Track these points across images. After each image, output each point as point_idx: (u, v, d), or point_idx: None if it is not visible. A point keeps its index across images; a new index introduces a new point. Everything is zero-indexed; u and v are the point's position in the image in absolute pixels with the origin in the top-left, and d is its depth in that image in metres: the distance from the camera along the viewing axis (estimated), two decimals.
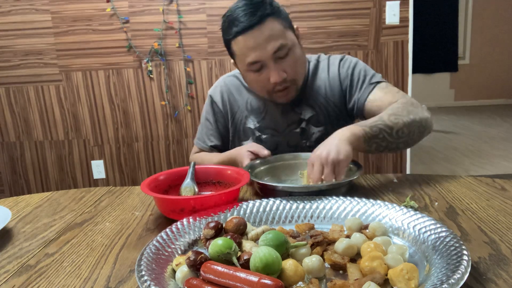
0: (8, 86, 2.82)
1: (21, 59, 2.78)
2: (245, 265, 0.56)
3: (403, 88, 2.81)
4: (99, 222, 0.87)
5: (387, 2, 2.70)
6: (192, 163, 1.01)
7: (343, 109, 1.23)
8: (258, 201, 0.81)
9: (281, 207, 0.80)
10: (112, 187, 1.11)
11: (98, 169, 2.93)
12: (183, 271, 0.58)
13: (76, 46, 2.75)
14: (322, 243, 0.65)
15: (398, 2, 2.70)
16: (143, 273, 0.56)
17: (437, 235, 0.62)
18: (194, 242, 0.70)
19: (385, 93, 1.15)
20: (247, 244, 0.63)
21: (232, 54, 1.15)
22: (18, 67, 2.79)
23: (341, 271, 0.60)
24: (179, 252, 0.66)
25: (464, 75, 6.92)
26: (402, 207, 0.74)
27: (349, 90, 1.21)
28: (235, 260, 0.57)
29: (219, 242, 0.58)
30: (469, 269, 0.52)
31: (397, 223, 0.70)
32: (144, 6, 2.70)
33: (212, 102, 1.32)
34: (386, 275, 0.54)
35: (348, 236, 0.66)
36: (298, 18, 2.71)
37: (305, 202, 0.81)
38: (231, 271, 0.53)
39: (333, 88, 1.22)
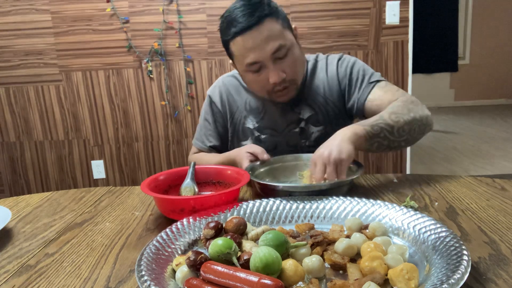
0: (8, 86, 2.82)
1: (21, 59, 2.78)
2: (245, 265, 0.56)
3: (403, 88, 2.81)
4: (99, 222, 0.87)
5: (387, 2, 2.70)
6: (192, 163, 1.01)
7: (342, 108, 1.23)
8: (258, 201, 0.81)
9: (281, 207, 0.80)
10: (112, 187, 1.11)
11: (98, 169, 2.93)
12: (183, 271, 0.58)
13: (76, 46, 2.75)
14: (322, 243, 0.65)
15: (398, 2, 2.70)
16: (143, 273, 0.56)
17: (437, 235, 0.62)
18: (194, 242, 0.70)
19: (384, 91, 1.15)
20: (247, 244, 0.63)
21: (230, 55, 1.15)
22: (18, 67, 2.79)
23: (341, 271, 0.60)
24: (179, 252, 0.66)
25: (464, 75, 6.92)
26: (402, 207, 0.74)
27: (348, 89, 1.21)
28: (235, 260, 0.57)
29: (219, 242, 0.58)
30: (469, 269, 0.52)
31: (397, 223, 0.70)
32: (144, 6, 2.70)
33: (211, 102, 1.32)
34: (386, 275, 0.54)
35: (348, 236, 0.66)
36: (298, 18, 2.71)
37: (305, 202, 0.81)
38: (231, 271, 0.53)
39: (331, 88, 1.22)
